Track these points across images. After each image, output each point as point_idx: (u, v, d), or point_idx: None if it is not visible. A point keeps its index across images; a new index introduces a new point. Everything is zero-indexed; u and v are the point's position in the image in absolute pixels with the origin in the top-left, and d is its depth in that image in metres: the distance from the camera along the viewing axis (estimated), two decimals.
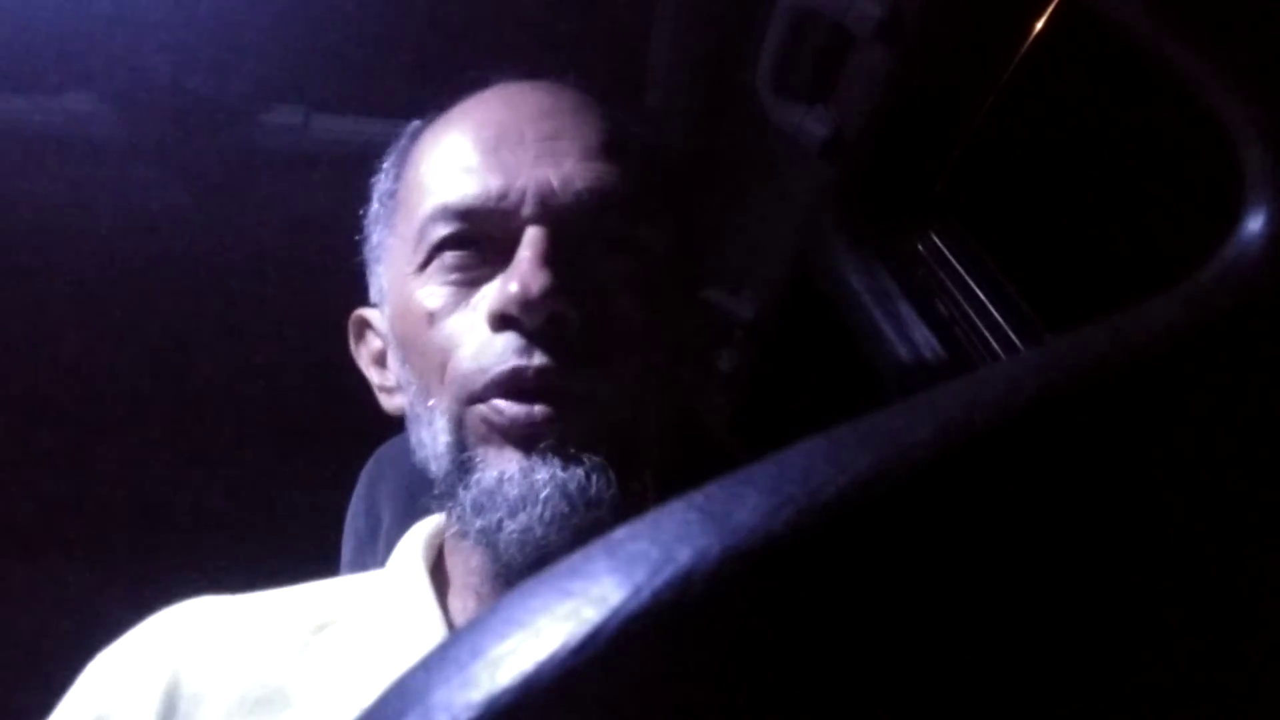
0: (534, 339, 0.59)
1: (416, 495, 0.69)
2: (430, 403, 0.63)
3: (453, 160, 0.64)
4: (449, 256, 0.63)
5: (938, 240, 0.99)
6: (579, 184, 0.62)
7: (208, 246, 1.56)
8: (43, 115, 1.44)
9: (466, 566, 0.66)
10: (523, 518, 0.58)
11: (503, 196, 0.62)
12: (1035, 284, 0.94)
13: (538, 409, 0.59)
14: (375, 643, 0.64)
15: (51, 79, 1.41)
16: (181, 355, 1.72)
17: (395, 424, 0.70)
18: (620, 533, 0.24)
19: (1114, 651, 0.26)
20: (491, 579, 0.63)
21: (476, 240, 0.63)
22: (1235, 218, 0.34)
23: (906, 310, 0.97)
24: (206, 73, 1.39)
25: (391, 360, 0.68)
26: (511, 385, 0.59)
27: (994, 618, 0.25)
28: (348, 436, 0.90)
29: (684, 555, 0.22)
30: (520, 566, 0.59)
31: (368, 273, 0.71)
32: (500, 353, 0.60)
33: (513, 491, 0.58)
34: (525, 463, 0.58)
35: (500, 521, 0.58)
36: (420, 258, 0.64)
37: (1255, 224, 0.34)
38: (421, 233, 0.64)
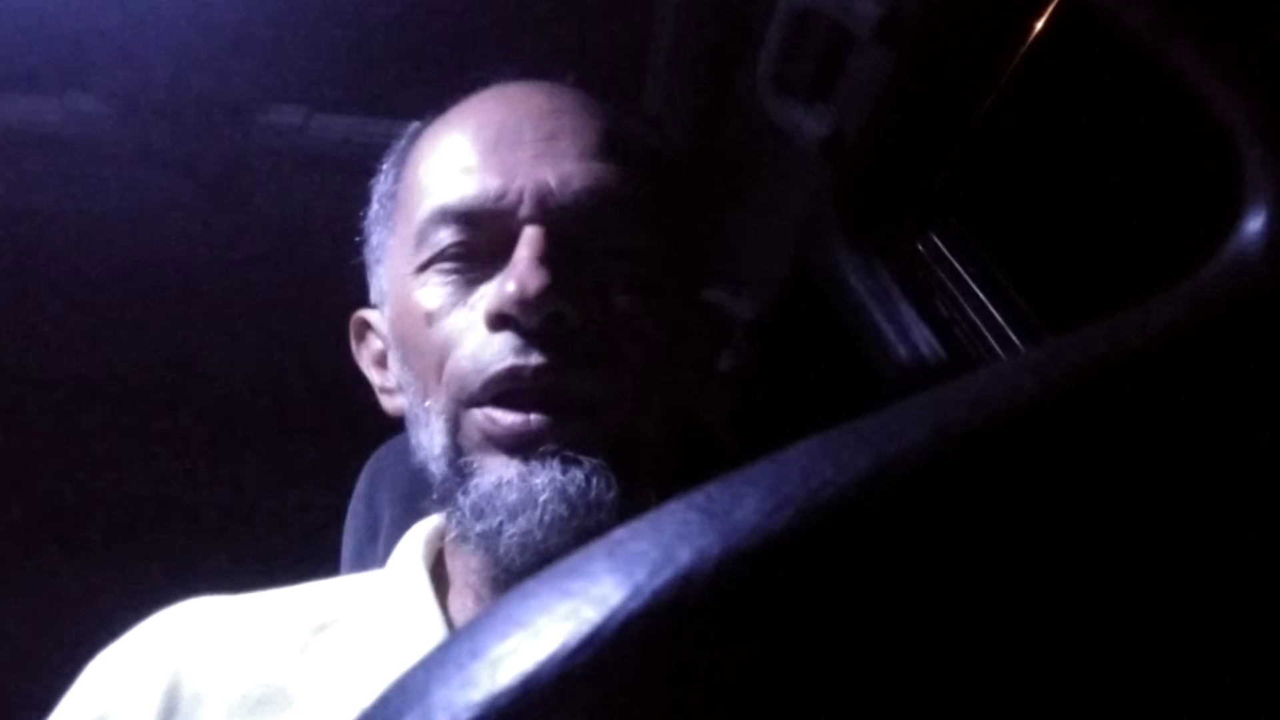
0: (532, 338, 0.59)
1: (416, 495, 0.69)
2: (427, 404, 0.63)
3: (451, 161, 0.64)
4: (448, 257, 0.63)
5: (938, 240, 0.99)
6: (577, 184, 0.62)
7: (208, 246, 1.56)
8: (43, 115, 1.44)
9: (466, 567, 0.65)
10: (522, 521, 0.58)
11: (501, 197, 0.62)
12: (1035, 284, 0.94)
13: (534, 418, 0.59)
14: (375, 643, 0.64)
15: (51, 79, 1.41)
16: (182, 355, 1.72)
17: (396, 424, 0.70)
18: (620, 533, 0.24)
19: (1115, 652, 0.26)
20: (491, 581, 0.63)
21: (475, 241, 0.62)
22: (1235, 218, 0.34)
23: (906, 310, 0.96)
24: (206, 73, 1.39)
25: (391, 361, 0.68)
26: (508, 385, 0.59)
27: (994, 618, 0.25)
28: (348, 436, 0.90)
29: (684, 555, 0.22)
30: (520, 570, 0.59)
31: (368, 274, 0.71)
32: (498, 352, 0.59)
33: (511, 496, 0.58)
34: (523, 467, 0.58)
35: (500, 525, 0.58)
36: (419, 259, 0.64)
37: (1255, 224, 0.34)
38: (421, 234, 0.64)
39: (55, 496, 1.82)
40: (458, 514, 0.61)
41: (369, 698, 0.24)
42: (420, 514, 0.72)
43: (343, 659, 0.64)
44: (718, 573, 0.22)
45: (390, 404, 0.69)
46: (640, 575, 0.22)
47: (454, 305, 0.62)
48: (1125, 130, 0.99)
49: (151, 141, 1.46)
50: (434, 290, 0.63)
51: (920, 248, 1.00)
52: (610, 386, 0.60)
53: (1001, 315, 0.92)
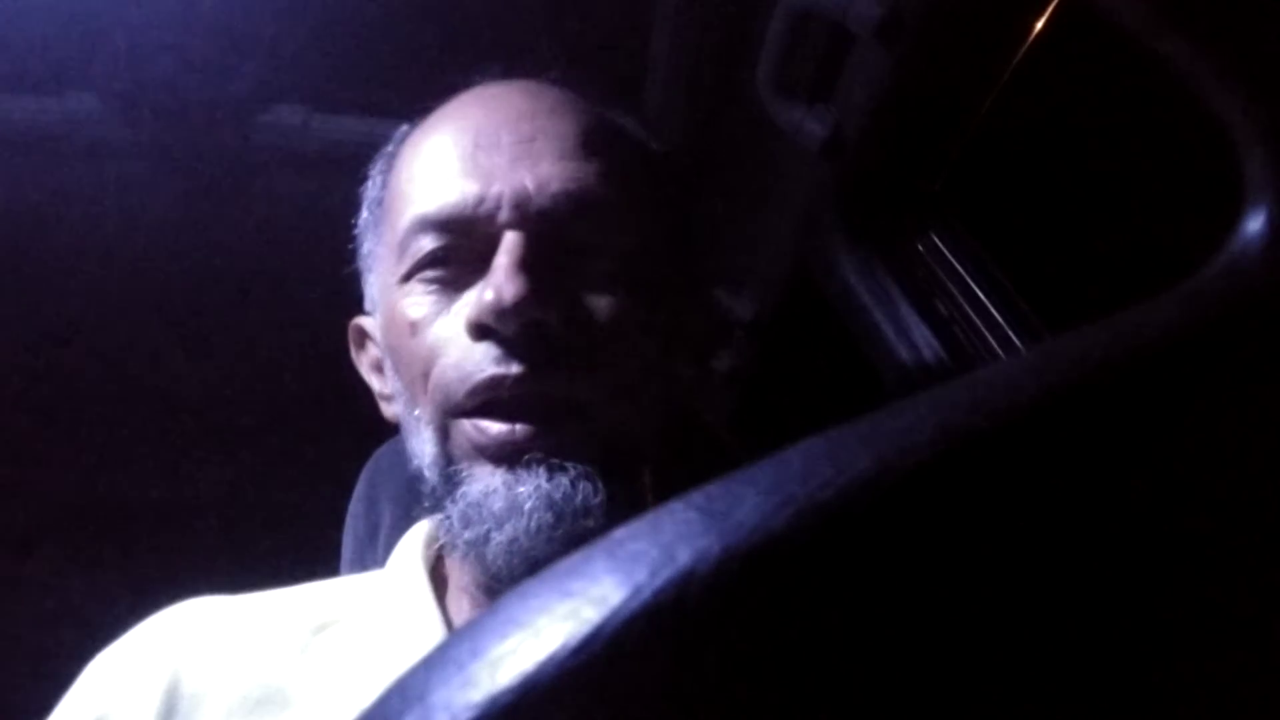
0: (512, 347, 0.59)
1: (417, 495, 0.69)
2: (416, 412, 0.63)
3: (430, 167, 0.64)
4: (430, 265, 0.62)
5: (938, 240, 0.99)
6: (555, 186, 0.61)
7: (207, 246, 1.56)
8: (43, 115, 1.44)
9: (462, 570, 0.66)
10: (509, 529, 0.58)
11: (480, 202, 0.61)
12: (1035, 284, 0.94)
13: (519, 427, 0.58)
14: (375, 643, 0.64)
15: (51, 79, 1.41)
16: (181, 355, 1.72)
17: (395, 424, 0.70)
18: (620, 533, 0.24)
19: (1115, 652, 0.26)
20: (483, 587, 0.63)
21: (457, 248, 0.62)
22: (1235, 218, 0.34)
23: (906, 310, 0.97)
24: (206, 73, 1.39)
25: (385, 369, 0.68)
26: (492, 395, 0.59)
27: (995, 619, 0.25)
28: (348, 436, 0.90)
29: (684, 555, 0.22)
30: (509, 576, 0.59)
31: (362, 281, 0.71)
32: (479, 362, 0.59)
33: (498, 504, 0.58)
34: (509, 476, 0.58)
35: (488, 534, 0.58)
36: (403, 268, 0.63)
37: (1255, 224, 0.34)
38: (403, 243, 0.63)
39: (55, 496, 1.82)
40: (448, 522, 0.61)
41: (369, 698, 0.24)
42: (421, 514, 0.72)
43: (342, 659, 0.64)
44: (718, 573, 0.22)
45: (389, 410, 0.69)
46: (640, 575, 0.22)
47: (438, 314, 0.62)
48: (1125, 130, 0.99)
49: (151, 141, 1.46)
50: (418, 300, 0.63)
51: (920, 248, 1.00)
52: (597, 388, 0.60)
53: (1001, 315, 0.92)
